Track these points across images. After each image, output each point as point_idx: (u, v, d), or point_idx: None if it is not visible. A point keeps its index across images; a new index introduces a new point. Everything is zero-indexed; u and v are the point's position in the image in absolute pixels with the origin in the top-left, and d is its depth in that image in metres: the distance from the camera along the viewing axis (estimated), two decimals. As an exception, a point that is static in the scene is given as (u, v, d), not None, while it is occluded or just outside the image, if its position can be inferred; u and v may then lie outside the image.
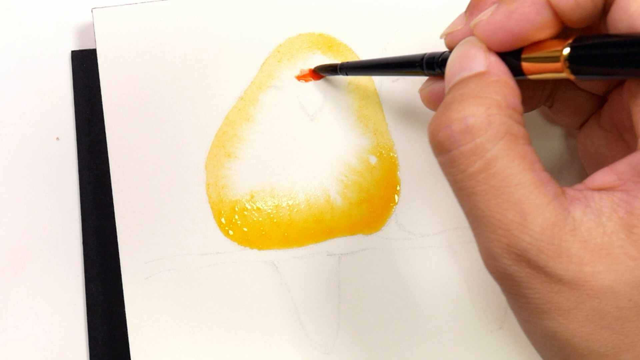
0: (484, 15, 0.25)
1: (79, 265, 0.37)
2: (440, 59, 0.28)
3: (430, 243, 0.36)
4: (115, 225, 0.35)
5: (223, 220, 0.36)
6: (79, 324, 0.36)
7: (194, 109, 0.36)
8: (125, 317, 0.35)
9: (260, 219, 0.36)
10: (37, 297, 0.36)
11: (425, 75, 0.29)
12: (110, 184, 0.36)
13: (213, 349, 0.35)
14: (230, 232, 0.36)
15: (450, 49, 0.27)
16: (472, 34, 0.26)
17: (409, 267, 0.36)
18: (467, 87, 0.24)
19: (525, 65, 0.24)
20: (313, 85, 0.37)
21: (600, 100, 0.30)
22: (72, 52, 0.38)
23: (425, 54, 0.29)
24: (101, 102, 0.36)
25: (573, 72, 0.22)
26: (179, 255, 0.35)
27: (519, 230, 0.22)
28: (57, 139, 0.38)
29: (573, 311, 0.22)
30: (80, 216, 0.37)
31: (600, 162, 0.30)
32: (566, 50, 0.22)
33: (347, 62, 0.35)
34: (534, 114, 0.36)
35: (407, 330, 0.35)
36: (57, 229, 0.37)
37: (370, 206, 0.36)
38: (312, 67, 0.37)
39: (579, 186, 0.23)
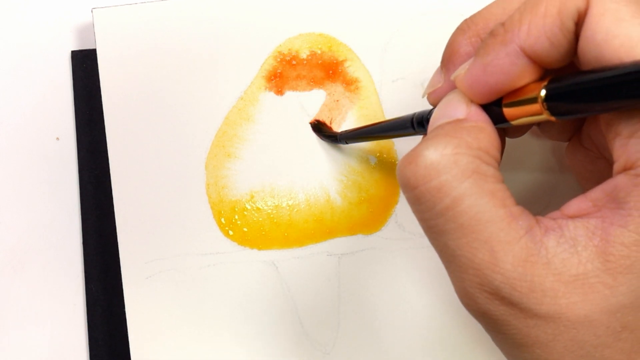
0: (462, 70, 0.25)
1: (79, 265, 0.37)
2: (428, 117, 0.27)
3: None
4: (115, 225, 0.35)
5: (223, 220, 0.36)
6: (79, 324, 0.36)
7: (194, 109, 0.36)
8: (125, 317, 0.35)
9: (260, 219, 0.36)
10: (37, 297, 0.36)
11: (419, 134, 0.29)
12: (110, 184, 0.36)
13: (213, 349, 0.35)
14: (230, 232, 0.36)
15: (435, 106, 0.27)
16: (452, 88, 0.26)
17: (408, 267, 0.36)
18: (441, 131, 0.24)
19: (507, 111, 0.24)
20: (313, 84, 0.37)
21: (583, 119, 0.29)
22: (72, 52, 0.38)
23: (414, 114, 0.29)
24: (101, 102, 0.36)
25: (552, 113, 0.22)
26: (179, 255, 0.35)
27: (490, 269, 0.22)
28: (57, 139, 0.38)
29: (551, 343, 0.22)
30: (80, 216, 0.37)
31: (588, 176, 0.30)
32: (542, 92, 0.22)
33: (345, 131, 0.35)
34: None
35: (407, 330, 0.35)
36: (57, 229, 0.37)
37: (370, 206, 0.36)
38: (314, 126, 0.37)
39: (554, 214, 0.23)
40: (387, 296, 0.35)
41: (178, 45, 0.37)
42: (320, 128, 0.36)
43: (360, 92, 0.37)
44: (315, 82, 0.37)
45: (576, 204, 0.23)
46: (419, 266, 0.36)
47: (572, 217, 0.23)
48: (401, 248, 0.36)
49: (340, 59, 0.37)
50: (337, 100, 0.37)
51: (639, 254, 0.21)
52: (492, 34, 0.24)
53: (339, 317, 0.35)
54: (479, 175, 0.22)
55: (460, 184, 0.22)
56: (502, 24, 0.23)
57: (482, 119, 0.24)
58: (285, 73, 0.37)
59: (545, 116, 0.22)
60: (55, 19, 0.39)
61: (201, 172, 0.36)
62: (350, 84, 0.37)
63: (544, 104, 0.22)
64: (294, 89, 0.37)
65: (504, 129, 0.26)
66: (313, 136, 0.36)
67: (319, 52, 0.37)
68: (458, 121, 0.24)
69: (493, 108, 0.24)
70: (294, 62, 0.37)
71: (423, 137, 0.29)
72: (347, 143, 0.35)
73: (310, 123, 0.36)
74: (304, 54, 0.37)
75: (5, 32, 0.39)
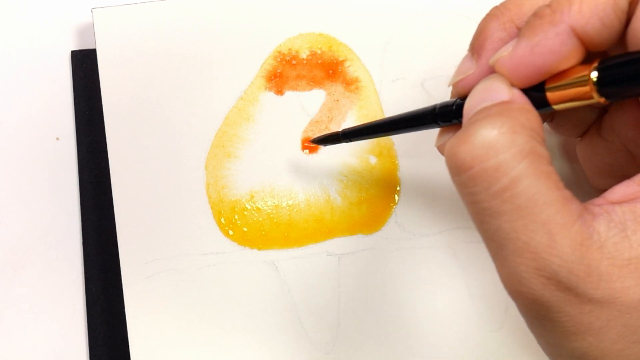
0: (505, 52, 0.24)
1: (79, 265, 0.37)
2: (454, 107, 0.26)
3: (430, 243, 0.36)
4: (115, 225, 0.35)
5: (223, 220, 0.36)
6: (79, 324, 0.36)
7: (194, 109, 0.36)
8: (125, 317, 0.35)
9: (260, 219, 0.36)
10: (37, 297, 0.36)
11: (438, 127, 0.28)
12: (110, 184, 0.36)
13: (213, 349, 0.35)
14: (230, 232, 0.36)
15: (463, 97, 0.26)
16: (484, 75, 0.25)
17: (408, 267, 0.35)
18: (490, 110, 0.23)
19: (550, 95, 0.23)
20: (313, 84, 0.37)
21: (601, 111, 0.29)
22: (72, 52, 0.38)
23: (437, 105, 0.27)
24: (101, 102, 0.36)
25: (604, 95, 0.22)
26: (179, 255, 0.35)
27: (547, 252, 0.21)
28: (57, 139, 0.38)
29: (604, 329, 0.22)
30: (80, 216, 0.37)
31: (605, 170, 0.29)
32: (594, 74, 0.22)
33: (350, 128, 0.33)
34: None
35: (407, 330, 0.35)
36: (57, 229, 0.37)
37: (370, 206, 0.36)
38: (311, 139, 0.36)
39: (598, 200, 0.23)
40: (387, 296, 0.35)
41: (178, 45, 0.37)
42: (319, 139, 0.35)
43: (360, 92, 0.37)
44: (315, 82, 0.37)
45: (622, 189, 0.23)
46: (419, 266, 0.36)
47: (618, 202, 0.22)
48: (401, 248, 0.36)
49: (340, 59, 0.37)
50: (337, 100, 0.37)
51: None
52: (537, 15, 0.23)
53: (339, 317, 0.35)
54: (535, 156, 0.22)
55: (518, 164, 0.22)
56: (548, 6, 0.23)
57: (526, 102, 0.24)
58: (285, 73, 0.37)
59: (594, 99, 0.22)
60: (55, 19, 0.39)
61: (201, 172, 0.36)
62: (350, 84, 0.37)
63: (595, 86, 0.22)
64: (294, 89, 0.37)
65: None
66: (313, 136, 0.36)
67: (319, 52, 0.37)
68: (504, 103, 0.23)
69: (532, 93, 0.24)
70: (294, 62, 0.37)
71: (440, 130, 0.28)
72: (350, 141, 0.34)
73: (312, 141, 0.35)
74: (304, 54, 0.37)
75: (5, 32, 0.39)
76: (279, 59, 0.37)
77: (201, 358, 0.35)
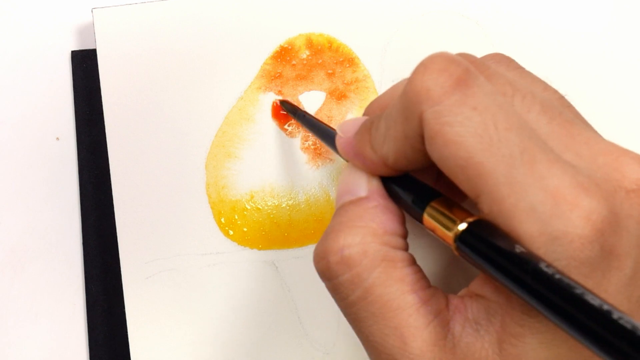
0: (344, 131, 0.26)
1: (79, 265, 0.37)
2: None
3: (429, 242, 0.36)
4: (115, 225, 0.35)
5: (223, 220, 0.36)
6: (79, 324, 0.36)
7: (194, 109, 0.36)
8: (125, 317, 0.35)
9: (260, 219, 0.36)
10: (37, 297, 0.36)
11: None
12: (110, 184, 0.36)
13: (213, 349, 0.35)
14: (230, 232, 0.36)
15: (342, 152, 0.26)
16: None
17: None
18: (346, 215, 0.24)
19: (426, 219, 0.23)
20: (313, 85, 0.37)
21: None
22: (72, 52, 0.38)
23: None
24: (101, 102, 0.36)
25: (459, 251, 0.22)
26: (179, 255, 0.35)
27: (400, 354, 0.22)
28: (57, 139, 0.38)
29: None
30: (80, 216, 0.37)
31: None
32: (462, 226, 0.21)
33: (305, 114, 0.35)
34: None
35: (407, 330, 0.35)
36: (57, 229, 0.37)
37: (370, 206, 0.36)
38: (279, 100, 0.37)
39: (463, 292, 0.23)
40: (387, 296, 0.35)
41: (178, 45, 0.37)
42: (284, 105, 0.36)
43: (360, 92, 0.37)
44: (315, 82, 0.37)
45: (481, 281, 0.23)
46: (419, 264, 0.36)
47: (476, 296, 0.23)
48: (401, 248, 0.36)
49: (340, 59, 0.37)
50: (337, 100, 0.37)
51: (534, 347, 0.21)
52: (359, 134, 0.25)
53: (339, 317, 0.35)
54: (388, 263, 0.23)
55: (370, 274, 0.23)
56: (367, 135, 0.24)
57: (383, 196, 0.25)
58: (285, 73, 0.37)
59: (452, 246, 0.22)
60: (55, 19, 0.39)
61: (201, 172, 0.36)
62: (350, 84, 0.37)
63: (454, 243, 0.22)
64: (294, 89, 0.37)
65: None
66: (313, 136, 0.36)
67: (319, 52, 0.37)
68: (361, 201, 0.24)
69: (391, 185, 0.25)
70: (294, 62, 0.37)
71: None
72: (302, 123, 0.35)
73: (280, 102, 0.36)
74: (304, 54, 0.37)
75: (5, 32, 0.39)
76: (278, 59, 0.37)
77: (201, 358, 0.35)
